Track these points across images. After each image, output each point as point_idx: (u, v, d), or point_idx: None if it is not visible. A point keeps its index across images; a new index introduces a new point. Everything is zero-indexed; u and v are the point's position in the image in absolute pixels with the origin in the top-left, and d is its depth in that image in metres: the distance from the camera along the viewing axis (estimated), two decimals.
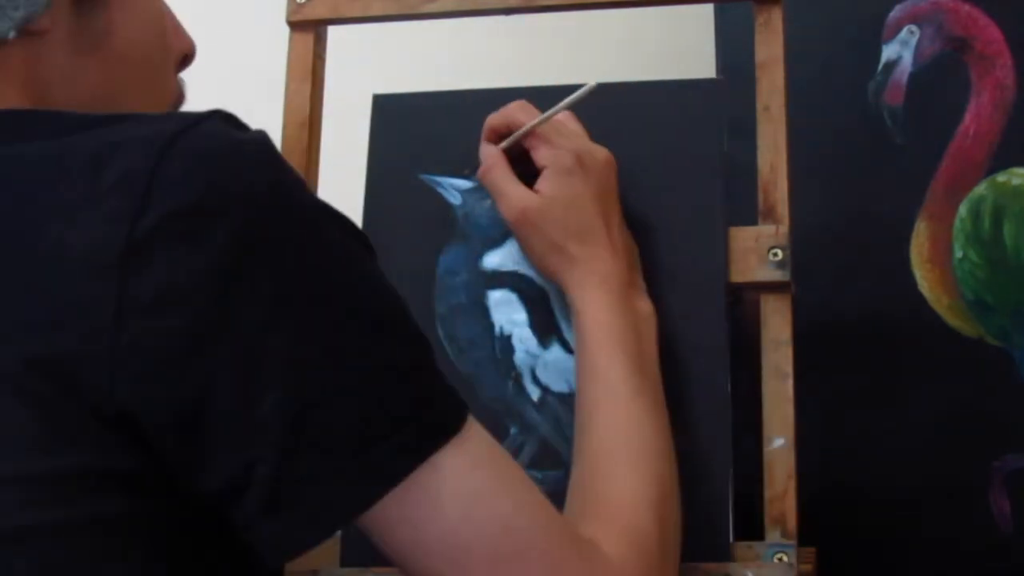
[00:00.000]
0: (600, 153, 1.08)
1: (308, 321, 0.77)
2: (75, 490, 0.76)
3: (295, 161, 1.18)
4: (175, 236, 0.75)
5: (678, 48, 1.47)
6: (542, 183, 1.06)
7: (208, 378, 0.76)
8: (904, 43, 1.34)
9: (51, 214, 0.77)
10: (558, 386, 1.08)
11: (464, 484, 0.80)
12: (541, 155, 1.07)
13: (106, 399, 0.75)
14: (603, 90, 1.15)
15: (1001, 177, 1.31)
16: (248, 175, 0.78)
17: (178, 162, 0.77)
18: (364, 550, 1.06)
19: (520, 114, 1.09)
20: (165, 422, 0.76)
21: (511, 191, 1.06)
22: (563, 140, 1.07)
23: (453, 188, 1.14)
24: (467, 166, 1.14)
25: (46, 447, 0.76)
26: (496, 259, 1.12)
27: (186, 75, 1.14)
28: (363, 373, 0.78)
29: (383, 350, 0.80)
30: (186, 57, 1.01)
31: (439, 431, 0.80)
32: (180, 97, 1.01)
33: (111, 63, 0.92)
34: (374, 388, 0.78)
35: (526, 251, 1.07)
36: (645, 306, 1.05)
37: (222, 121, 0.81)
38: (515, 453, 1.08)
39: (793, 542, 1.02)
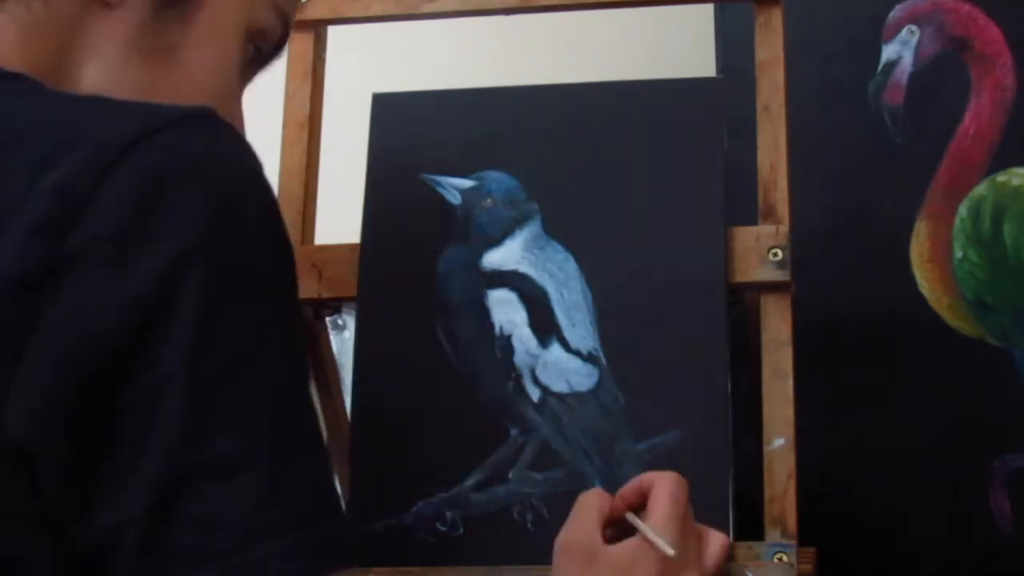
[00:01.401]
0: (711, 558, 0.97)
1: (216, 383, 0.68)
2: None
3: (295, 161, 1.18)
4: (99, 261, 0.67)
5: (678, 48, 1.47)
6: (624, 545, 0.94)
7: (104, 423, 0.68)
8: (904, 43, 1.34)
9: None
10: (558, 386, 1.08)
11: None
12: (657, 515, 0.95)
13: None
14: (603, 89, 1.15)
15: (1001, 177, 1.31)
16: (194, 203, 0.69)
17: (123, 177, 0.68)
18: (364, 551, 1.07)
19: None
20: (54, 462, 0.68)
21: (580, 526, 0.95)
22: (683, 534, 0.95)
23: (453, 188, 1.14)
24: (467, 166, 1.14)
25: None
26: (496, 259, 1.11)
27: None
28: (268, 452, 0.69)
29: (296, 434, 0.71)
30: None
31: (339, 549, 0.70)
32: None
33: (161, 73, 0.84)
34: (275, 473, 0.69)
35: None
36: None
37: (194, 125, 0.72)
38: (515, 454, 1.08)
39: (793, 542, 1.02)
